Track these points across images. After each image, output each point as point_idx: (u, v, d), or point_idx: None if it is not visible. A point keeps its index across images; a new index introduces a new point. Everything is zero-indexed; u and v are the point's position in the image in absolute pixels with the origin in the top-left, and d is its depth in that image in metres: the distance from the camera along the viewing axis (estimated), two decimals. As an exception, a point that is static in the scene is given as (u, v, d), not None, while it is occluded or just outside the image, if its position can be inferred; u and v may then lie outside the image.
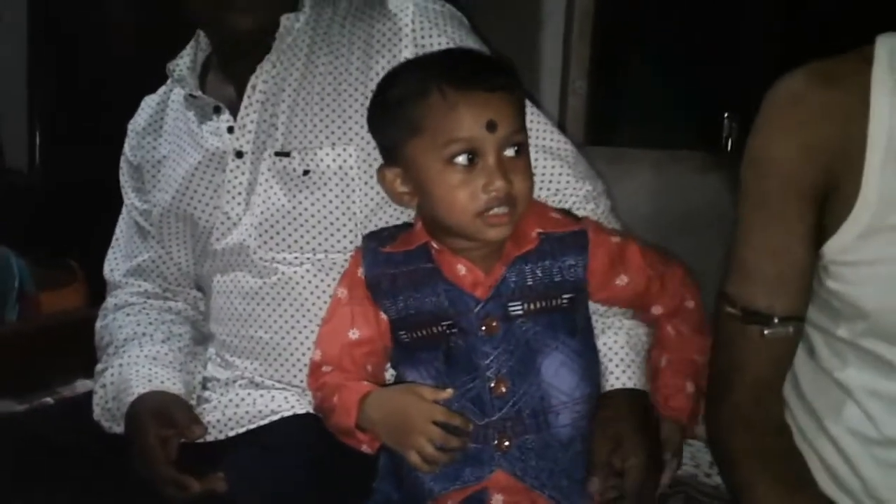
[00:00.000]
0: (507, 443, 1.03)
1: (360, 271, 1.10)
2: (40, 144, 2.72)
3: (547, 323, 1.05)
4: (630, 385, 1.09)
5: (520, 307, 1.04)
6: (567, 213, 1.14)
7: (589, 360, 1.09)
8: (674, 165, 2.58)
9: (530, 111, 1.16)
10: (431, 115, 0.99)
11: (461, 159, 0.99)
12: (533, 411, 1.03)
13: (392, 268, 1.08)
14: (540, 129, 1.19)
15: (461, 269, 1.04)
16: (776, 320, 0.99)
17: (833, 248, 0.95)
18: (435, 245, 1.05)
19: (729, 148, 2.61)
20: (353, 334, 1.09)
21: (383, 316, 1.09)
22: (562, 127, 1.24)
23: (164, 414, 1.13)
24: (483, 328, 1.04)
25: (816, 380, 1.03)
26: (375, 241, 1.11)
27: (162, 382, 1.18)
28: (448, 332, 1.05)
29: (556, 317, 1.05)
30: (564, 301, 1.06)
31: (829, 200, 0.95)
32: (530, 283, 1.04)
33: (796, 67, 0.98)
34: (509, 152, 1.00)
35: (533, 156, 1.14)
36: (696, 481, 1.53)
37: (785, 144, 0.96)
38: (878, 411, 0.97)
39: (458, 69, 1.00)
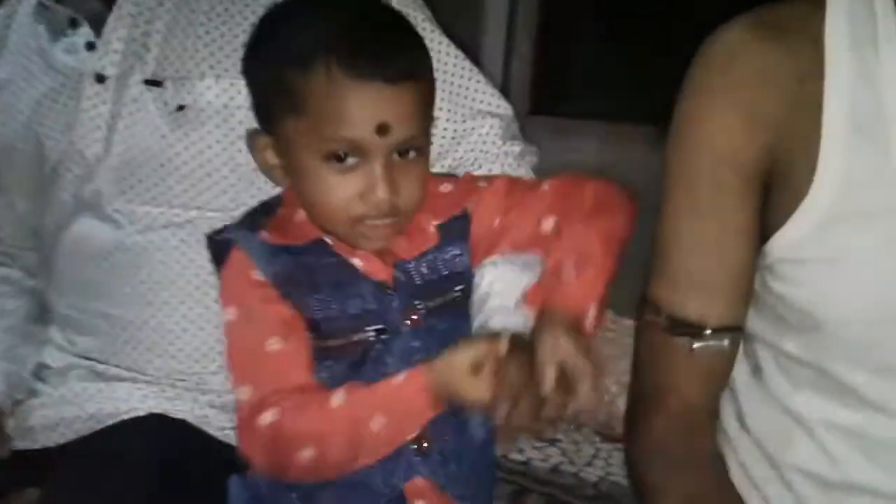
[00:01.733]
0: (425, 444, 0.88)
1: (255, 274, 0.89)
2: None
3: (452, 317, 0.92)
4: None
5: (421, 305, 0.91)
6: (449, 176, 1.00)
7: None
8: (622, 139, 2.49)
9: (469, 72, 1.06)
10: (313, 97, 0.83)
11: (340, 159, 0.85)
12: (454, 409, 0.87)
13: (292, 260, 0.90)
14: (470, 86, 1.06)
15: (357, 262, 0.89)
16: (709, 331, 0.84)
17: (781, 243, 0.79)
18: (330, 241, 0.90)
19: None
20: (276, 344, 0.87)
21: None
22: (504, 93, 1.13)
23: None
24: (408, 321, 0.90)
25: (763, 406, 0.88)
26: (250, 231, 0.91)
27: None
28: (371, 338, 0.89)
29: (459, 311, 0.93)
30: (457, 293, 0.93)
31: (775, 187, 0.80)
32: (419, 282, 0.91)
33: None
34: (402, 155, 0.86)
35: (461, 117, 1.05)
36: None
37: (719, 112, 0.81)
38: (836, 447, 0.82)
39: (354, 40, 0.83)
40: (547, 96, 2.49)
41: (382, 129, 0.82)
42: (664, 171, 0.85)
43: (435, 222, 0.92)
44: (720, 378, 0.88)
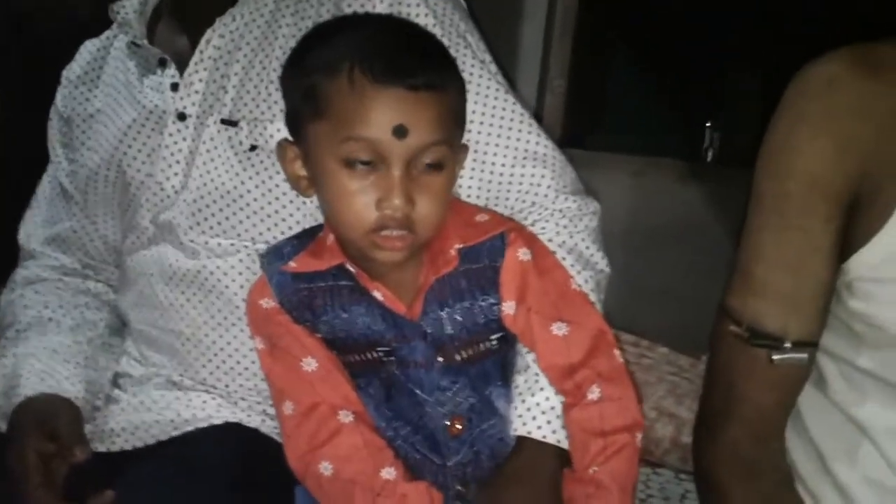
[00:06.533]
0: (465, 490, 0.92)
1: (266, 303, 0.93)
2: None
3: (485, 361, 0.93)
4: (553, 441, 0.92)
5: (453, 350, 0.92)
6: (489, 210, 0.99)
7: None
8: (651, 174, 2.51)
9: (512, 108, 1.04)
10: (335, 99, 0.84)
11: (358, 162, 0.84)
12: (492, 453, 0.92)
13: (305, 283, 0.93)
14: (523, 129, 1.04)
15: (377, 295, 0.90)
16: (788, 344, 0.86)
17: (862, 262, 0.83)
18: (352, 268, 0.91)
19: (709, 159, 2.55)
20: (309, 364, 0.91)
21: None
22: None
23: (48, 425, 0.98)
24: (441, 358, 0.91)
25: (825, 416, 0.90)
26: (277, 259, 0.95)
27: (57, 382, 1.04)
28: (384, 359, 0.91)
29: (488, 363, 0.93)
30: (493, 343, 0.93)
31: (860, 209, 0.83)
32: (450, 331, 0.91)
33: (791, 76, 0.86)
34: (422, 165, 0.85)
35: (511, 160, 1.02)
36: (666, 518, 1.41)
37: (812, 138, 0.83)
38: None
39: (380, 50, 0.84)
40: (579, 130, 2.50)
41: (399, 132, 0.82)
42: (753, 189, 0.88)
43: (457, 245, 0.90)
44: (794, 390, 0.90)
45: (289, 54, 0.96)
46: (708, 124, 2.52)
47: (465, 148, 0.95)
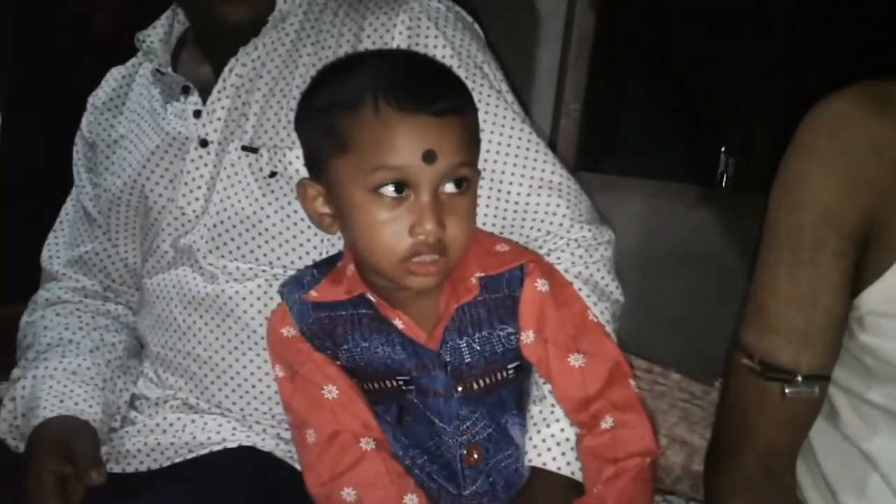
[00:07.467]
0: None
1: (287, 331, 0.94)
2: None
3: (501, 390, 0.94)
4: (567, 472, 0.93)
5: (471, 379, 0.93)
6: (509, 240, 1.00)
7: None
8: (665, 198, 2.53)
9: (528, 137, 1.05)
10: (360, 132, 0.85)
11: (389, 190, 0.85)
12: (507, 484, 0.93)
13: (326, 311, 0.93)
14: (538, 158, 1.05)
15: (398, 324, 0.91)
16: (800, 378, 0.87)
17: (873, 297, 0.83)
18: (373, 298, 0.91)
19: (724, 184, 2.55)
20: (330, 392, 0.93)
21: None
22: (552, 149, 1.11)
23: (65, 447, 0.99)
24: (460, 388, 0.91)
25: (836, 449, 0.91)
26: (297, 289, 0.95)
27: (76, 404, 1.04)
28: (403, 387, 0.92)
29: (504, 392, 0.94)
30: (510, 372, 0.94)
31: (871, 244, 0.84)
32: (468, 360, 0.92)
33: (806, 104, 0.88)
34: (449, 188, 0.86)
35: (527, 189, 1.03)
36: (676, 546, 1.40)
37: (825, 173, 0.85)
38: None
39: (401, 81, 0.86)
40: (593, 154, 2.53)
41: (428, 156, 0.83)
42: (766, 223, 0.89)
43: (478, 273, 0.91)
44: (806, 423, 0.91)
45: (301, 97, 0.97)
46: (723, 149, 2.53)
47: (478, 172, 0.96)
